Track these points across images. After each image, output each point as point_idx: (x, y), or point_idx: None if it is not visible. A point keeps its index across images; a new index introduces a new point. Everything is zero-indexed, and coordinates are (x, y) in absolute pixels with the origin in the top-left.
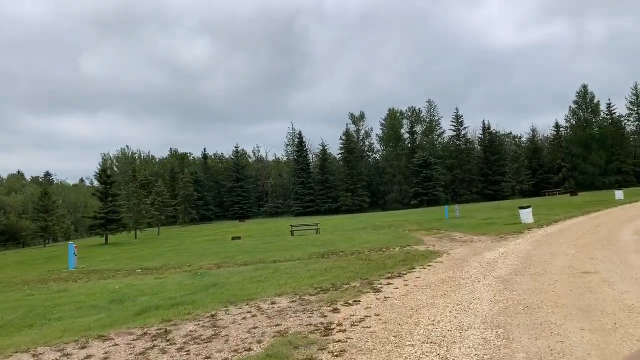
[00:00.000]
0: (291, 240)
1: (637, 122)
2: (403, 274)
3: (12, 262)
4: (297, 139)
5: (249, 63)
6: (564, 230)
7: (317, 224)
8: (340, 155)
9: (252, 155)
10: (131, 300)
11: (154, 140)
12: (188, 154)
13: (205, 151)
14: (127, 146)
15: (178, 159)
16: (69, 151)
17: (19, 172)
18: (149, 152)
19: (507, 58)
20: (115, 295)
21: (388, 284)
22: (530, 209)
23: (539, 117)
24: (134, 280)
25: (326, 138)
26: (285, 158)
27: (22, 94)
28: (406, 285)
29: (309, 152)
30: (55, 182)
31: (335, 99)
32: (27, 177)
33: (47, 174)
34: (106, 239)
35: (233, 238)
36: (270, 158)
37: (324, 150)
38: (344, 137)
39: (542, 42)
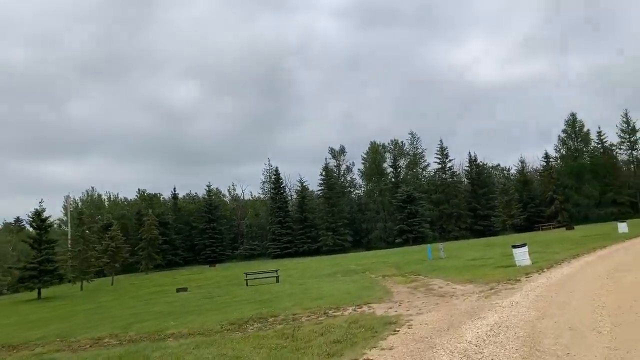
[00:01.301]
0: (238, 293)
1: (629, 151)
2: None
3: None
4: (274, 176)
5: (236, 105)
6: (573, 276)
7: (277, 271)
8: (319, 192)
9: (227, 194)
10: None
11: (143, 182)
12: (158, 195)
13: (175, 191)
14: (92, 188)
15: (146, 200)
16: (54, 196)
17: None
18: (117, 194)
19: (492, 94)
20: None
21: None
22: (526, 248)
23: (526, 151)
24: None
25: (312, 177)
26: (262, 196)
27: (9, 140)
28: None
29: (286, 189)
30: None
31: (323, 139)
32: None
33: (18, 220)
34: (39, 294)
35: (178, 290)
36: (247, 197)
37: (302, 187)
38: (323, 173)
39: (526, 78)
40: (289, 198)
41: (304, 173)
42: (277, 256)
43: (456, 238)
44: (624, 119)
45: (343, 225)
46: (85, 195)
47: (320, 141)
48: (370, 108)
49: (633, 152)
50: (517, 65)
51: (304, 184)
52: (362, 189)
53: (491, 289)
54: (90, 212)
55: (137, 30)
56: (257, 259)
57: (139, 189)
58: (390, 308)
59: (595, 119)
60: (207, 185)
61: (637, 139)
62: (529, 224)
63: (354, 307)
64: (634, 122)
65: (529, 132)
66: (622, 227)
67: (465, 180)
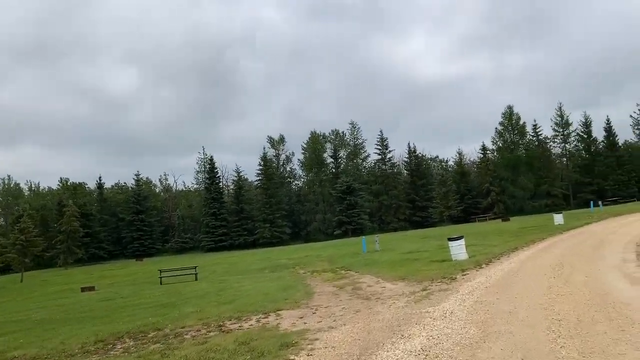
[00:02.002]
0: (146, 294)
1: (563, 144)
2: None
3: None
4: (208, 165)
5: (178, 94)
6: (515, 274)
7: (195, 268)
8: (257, 182)
9: (158, 184)
10: None
11: (80, 172)
12: (83, 184)
13: (100, 180)
14: (8, 176)
15: (70, 190)
16: None
17: None
18: (38, 183)
19: (433, 89)
20: None
21: None
22: (462, 241)
23: (465, 145)
24: None
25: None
26: (196, 187)
27: None
28: None
29: (222, 180)
30: None
31: (267, 130)
32: None
33: None
34: None
35: (83, 289)
36: (181, 188)
37: (239, 177)
38: (261, 163)
39: (466, 73)
40: (226, 189)
41: (247, 165)
42: (210, 249)
43: (395, 229)
44: (558, 113)
45: (281, 217)
46: (1, 184)
47: (265, 132)
48: (315, 100)
49: (566, 145)
50: (458, 61)
51: (241, 174)
52: (302, 180)
53: (424, 290)
54: (6, 201)
55: (72, 13)
56: (190, 253)
57: (61, 178)
58: (301, 318)
59: (531, 114)
60: (135, 175)
61: (570, 133)
62: (466, 216)
63: (260, 316)
64: (568, 116)
65: (468, 126)
66: (558, 218)
67: (405, 171)
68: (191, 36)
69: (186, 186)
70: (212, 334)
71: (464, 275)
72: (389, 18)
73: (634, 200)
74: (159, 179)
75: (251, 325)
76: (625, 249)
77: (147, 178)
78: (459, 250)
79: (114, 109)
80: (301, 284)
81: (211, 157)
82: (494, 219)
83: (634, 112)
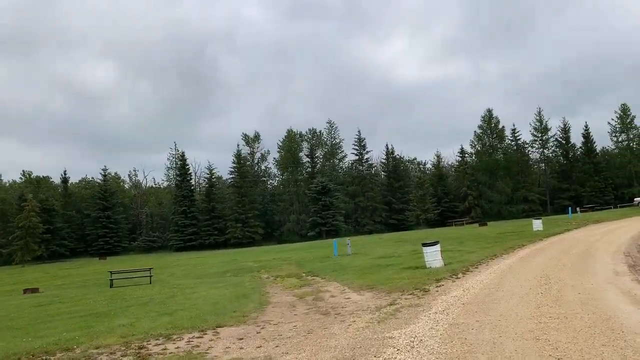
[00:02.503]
0: (89, 299)
1: (541, 149)
2: None
3: None
4: (179, 162)
5: (156, 89)
6: (496, 289)
7: (150, 270)
8: (230, 180)
9: (128, 180)
10: None
11: (51, 167)
12: (47, 178)
13: (65, 174)
14: None
15: (33, 184)
16: None
17: None
18: (0, 176)
19: (413, 92)
20: None
21: None
22: (437, 247)
23: (444, 149)
24: None
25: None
26: (166, 184)
27: None
28: None
29: (194, 177)
30: None
31: (246, 129)
32: None
33: None
34: None
35: (26, 291)
36: (151, 184)
37: (211, 174)
38: (234, 160)
39: (444, 78)
40: (198, 187)
41: (223, 164)
42: (179, 249)
43: (370, 232)
44: (537, 117)
45: (254, 217)
46: None
47: (243, 131)
48: (294, 100)
49: (544, 150)
50: (437, 65)
51: (214, 171)
52: (277, 179)
53: (391, 304)
54: None
55: (46, 4)
56: (158, 252)
57: (24, 171)
58: (241, 340)
59: (509, 120)
60: (102, 169)
61: (548, 138)
62: (443, 219)
63: (194, 334)
64: (546, 121)
65: (447, 131)
66: (537, 224)
67: (382, 173)
68: (171, 31)
69: (156, 183)
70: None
71: (438, 286)
72: (370, 20)
73: (610, 208)
74: (129, 175)
75: (177, 348)
76: (614, 259)
77: (115, 173)
78: (433, 256)
79: (90, 103)
80: (259, 291)
81: (182, 152)
82: (470, 223)
83: (612, 120)
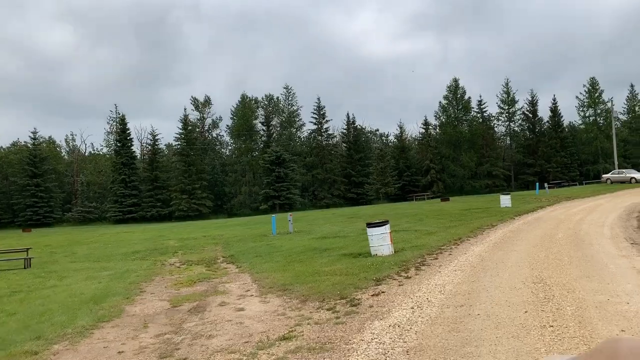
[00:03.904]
0: None
1: (507, 123)
2: None
3: None
4: (119, 125)
5: (117, 55)
6: (466, 301)
7: (27, 250)
8: (176, 147)
9: (64, 145)
10: None
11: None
12: None
13: None
14: None
15: None
16: None
17: None
18: None
19: (380, 67)
20: None
21: None
22: (386, 228)
23: (409, 123)
24: None
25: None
26: (105, 150)
27: None
28: None
29: (138, 143)
30: None
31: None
32: None
33: None
34: None
35: None
36: (90, 150)
37: (154, 141)
38: (180, 126)
39: (412, 53)
40: (143, 156)
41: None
42: (119, 221)
43: (327, 206)
44: (505, 89)
45: (201, 188)
46: None
47: (193, 95)
48: (260, 71)
49: (511, 124)
50: (405, 40)
51: (157, 137)
52: (229, 148)
53: (290, 331)
54: None
55: None
56: (94, 224)
57: None
58: None
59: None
60: (31, 132)
61: (515, 111)
62: (404, 194)
63: None
64: (514, 93)
65: (414, 106)
66: (505, 200)
67: (343, 145)
68: None
69: (95, 149)
70: None
71: (376, 295)
72: None
73: (575, 185)
74: (65, 139)
75: None
76: (618, 248)
77: (50, 137)
78: (380, 241)
79: (45, 67)
80: (135, 289)
81: (123, 115)
82: (432, 198)
83: (580, 94)
